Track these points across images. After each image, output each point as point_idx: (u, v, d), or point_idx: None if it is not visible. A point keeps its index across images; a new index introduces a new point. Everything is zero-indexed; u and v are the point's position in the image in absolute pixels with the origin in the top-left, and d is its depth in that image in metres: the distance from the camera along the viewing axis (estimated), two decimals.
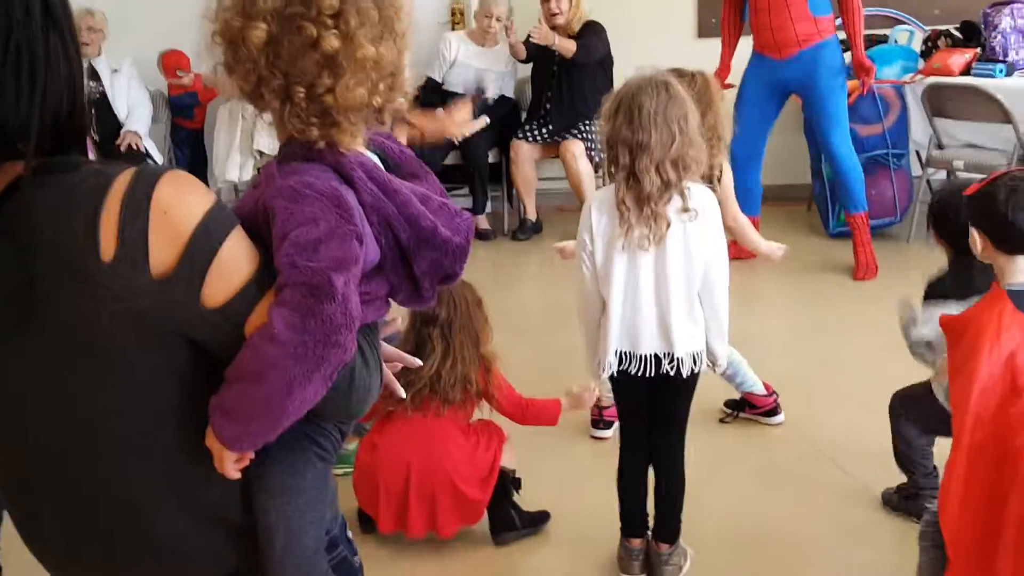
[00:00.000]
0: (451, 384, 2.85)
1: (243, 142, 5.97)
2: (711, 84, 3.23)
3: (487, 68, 6.24)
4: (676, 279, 2.53)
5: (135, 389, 1.26)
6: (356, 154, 1.34)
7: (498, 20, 6.10)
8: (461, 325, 2.86)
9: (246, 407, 1.25)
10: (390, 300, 1.42)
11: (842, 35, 5.14)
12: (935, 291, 2.72)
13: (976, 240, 2.26)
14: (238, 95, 1.36)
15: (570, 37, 5.95)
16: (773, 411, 3.65)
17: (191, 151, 6.56)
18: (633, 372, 2.56)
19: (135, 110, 6.13)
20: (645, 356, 2.56)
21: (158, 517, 1.31)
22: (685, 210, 2.47)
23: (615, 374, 2.59)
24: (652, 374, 2.57)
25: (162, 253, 1.20)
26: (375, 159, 1.41)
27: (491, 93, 6.21)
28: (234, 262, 1.25)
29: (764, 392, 3.64)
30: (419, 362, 1.74)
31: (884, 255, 5.28)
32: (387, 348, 1.59)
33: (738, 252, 3.54)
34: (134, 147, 6.04)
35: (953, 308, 2.41)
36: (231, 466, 1.29)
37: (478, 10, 6.25)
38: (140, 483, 1.30)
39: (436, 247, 1.36)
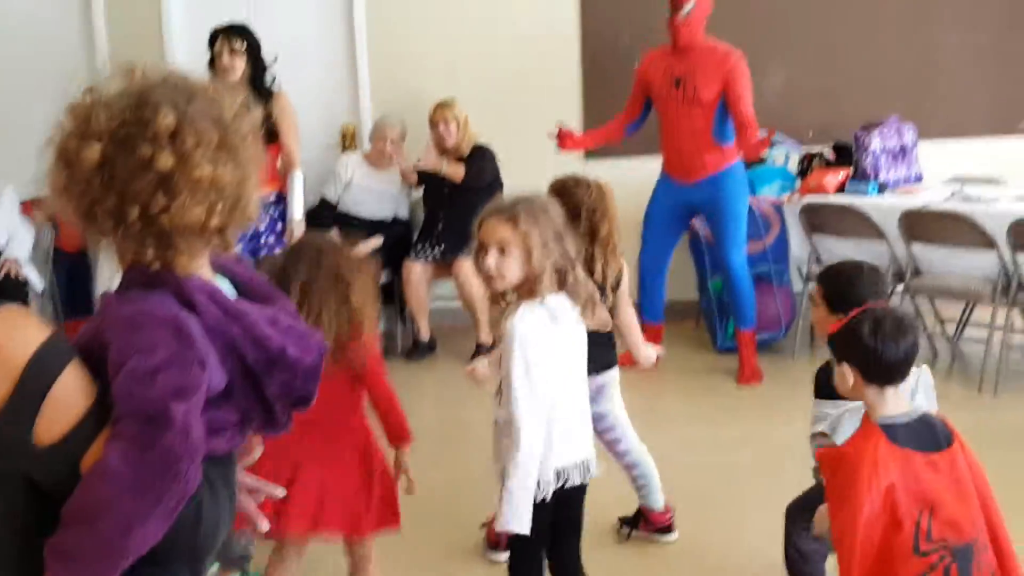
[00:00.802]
0: None
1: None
2: (607, 194, 3.30)
3: (383, 189, 6.28)
4: (585, 376, 2.65)
5: None
6: (198, 278, 1.31)
7: (392, 143, 6.19)
8: (324, 282, 2.69)
9: (83, 549, 1.16)
10: (244, 429, 1.36)
11: None
12: (820, 388, 2.76)
13: (847, 375, 2.32)
14: (71, 218, 1.32)
15: (459, 160, 6.07)
16: (668, 528, 3.64)
17: (69, 276, 6.40)
18: (563, 486, 2.55)
19: (15, 237, 5.99)
20: (579, 464, 2.58)
21: None
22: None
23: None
24: (582, 481, 2.58)
25: None
26: (224, 284, 1.38)
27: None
28: (69, 396, 1.19)
29: (662, 509, 3.65)
30: (283, 492, 1.67)
31: (769, 369, 5.41)
32: (248, 479, 1.53)
33: (629, 359, 3.61)
34: (12, 275, 5.87)
35: (830, 406, 2.51)
36: None
37: (373, 132, 6.33)
38: None
39: (286, 368, 1.32)
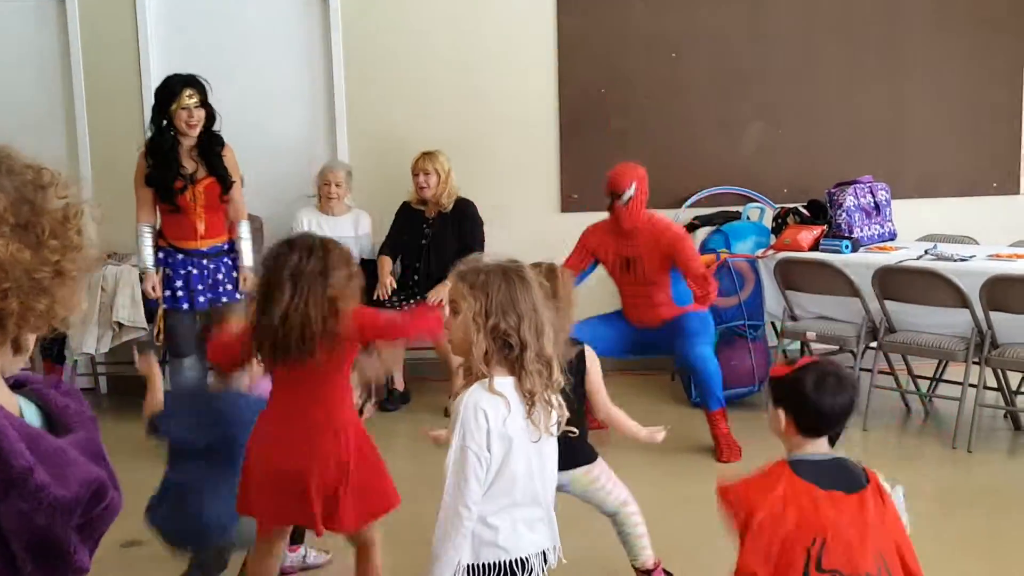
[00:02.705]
0: (295, 326, 2.84)
1: (102, 314, 5.84)
2: (558, 276, 3.28)
3: (339, 236, 6.24)
4: (555, 461, 2.56)
5: None
6: None
7: (337, 186, 6.18)
8: (312, 274, 2.88)
9: None
10: None
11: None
12: None
13: (780, 419, 2.39)
14: None
15: (441, 214, 6.08)
16: None
17: None
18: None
19: None
20: (539, 553, 2.52)
21: None
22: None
23: None
24: (542, 571, 2.52)
25: None
26: (30, 408, 1.22)
27: None
28: None
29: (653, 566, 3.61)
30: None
31: (743, 425, 5.37)
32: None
33: (593, 421, 3.59)
34: None
35: None
36: None
37: (316, 178, 6.31)
38: None
39: (27, 496, 1.08)
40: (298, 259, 2.88)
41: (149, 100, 6.34)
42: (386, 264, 6.17)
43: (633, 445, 5.13)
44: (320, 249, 2.93)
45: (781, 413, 2.39)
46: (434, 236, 6.13)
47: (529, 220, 6.50)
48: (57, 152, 6.53)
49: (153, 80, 6.37)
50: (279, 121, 6.62)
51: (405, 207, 6.28)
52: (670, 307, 5.32)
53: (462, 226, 6.11)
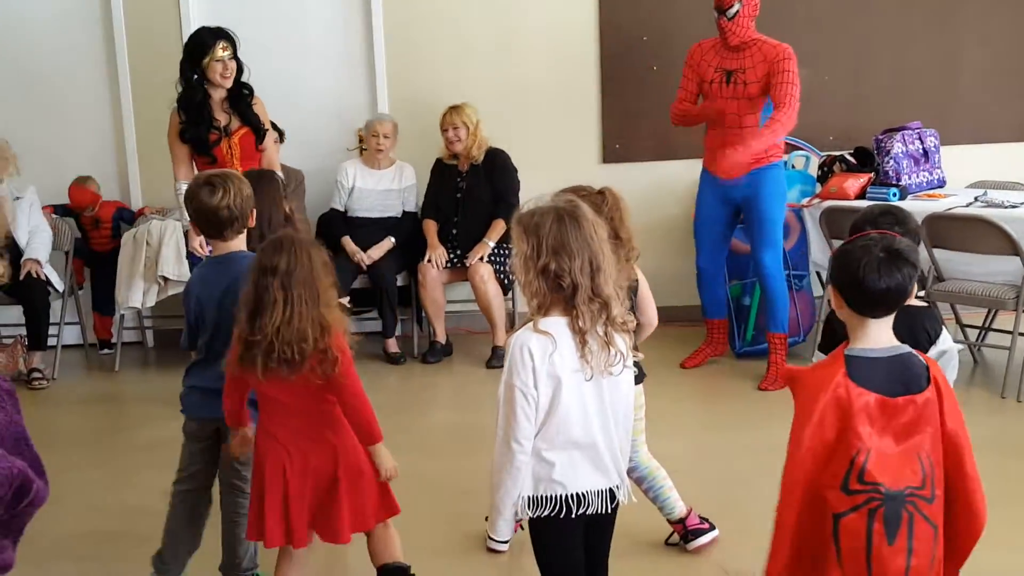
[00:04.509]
0: (289, 341, 2.72)
1: (147, 269, 5.89)
2: (619, 200, 3.24)
3: (385, 188, 6.26)
4: (627, 403, 2.56)
5: None
6: None
7: (386, 137, 6.17)
8: (302, 278, 2.75)
9: None
10: None
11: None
12: (824, 340, 2.83)
13: (833, 296, 2.31)
14: None
15: (473, 166, 6.07)
16: (695, 533, 3.60)
17: (100, 274, 6.44)
18: (580, 513, 2.51)
19: (35, 237, 6.01)
20: (600, 491, 2.53)
21: None
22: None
23: (550, 519, 2.51)
24: (605, 510, 2.53)
25: None
26: None
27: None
28: None
29: (679, 517, 3.61)
30: None
31: None
32: None
33: None
34: (34, 274, 5.91)
35: None
36: None
37: (364, 132, 6.29)
38: None
39: None
40: (286, 264, 2.76)
41: None
42: (432, 228, 6.17)
43: (677, 396, 5.16)
44: (306, 255, 2.80)
45: (832, 290, 2.31)
46: (468, 189, 6.10)
47: (570, 172, 6.32)
48: (102, 110, 6.58)
49: None
50: (318, 76, 6.59)
51: (438, 164, 6.25)
52: (757, 139, 5.16)
53: (494, 176, 6.08)
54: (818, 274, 6.01)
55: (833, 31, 6.47)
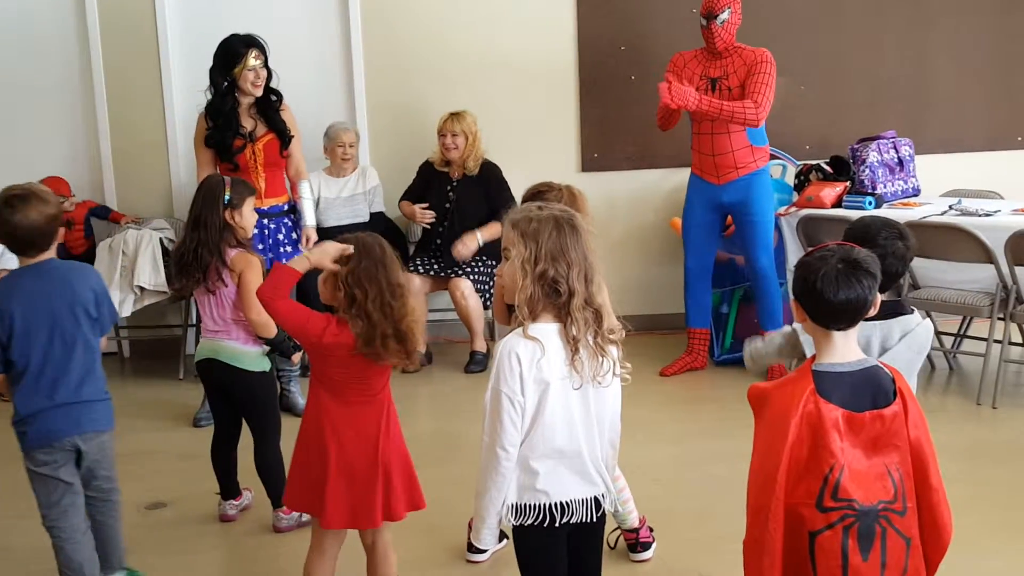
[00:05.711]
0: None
1: (123, 278, 5.85)
2: (577, 197, 3.30)
3: (349, 195, 6.20)
4: (614, 412, 2.57)
5: None
6: None
7: (351, 146, 6.14)
8: (372, 281, 2.90)
9: None
10: None
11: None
12: None
13: (795, 310, 2.30)
14: None
15: (467, 176, 6.04)
16: (641, 545, 3.61)
17: None
18: (564, 522, 2.50)
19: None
20: (585, 500, 2.52)
21: None
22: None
23: (534, 527, 2.50)
24: (589, 519, 2.53)
25: None
26: None
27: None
28: None
29: (630, 527, 3.61)
30: None
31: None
32: None
33: None
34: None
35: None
36: None
37: (328, 143, 6.21)
38: None
39: None
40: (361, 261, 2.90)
41: (166, 61, 6.35)
42: (409, 204, 6.15)
43: (656, 403, 5.17)
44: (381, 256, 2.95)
45: (794, 303, 2.30)
46: (459, 199, 6.07)
47: (547, 178, 6.44)
48: (75, 117, 6.53)
49: (172, 40, 6.37)
50: (296, 88, 6.57)
51: (428, 167, 6.21)
52: (744, 153, 5.44)
53: (489, 189, 6.04)
54: None
55: (809, 43, 6.52)
